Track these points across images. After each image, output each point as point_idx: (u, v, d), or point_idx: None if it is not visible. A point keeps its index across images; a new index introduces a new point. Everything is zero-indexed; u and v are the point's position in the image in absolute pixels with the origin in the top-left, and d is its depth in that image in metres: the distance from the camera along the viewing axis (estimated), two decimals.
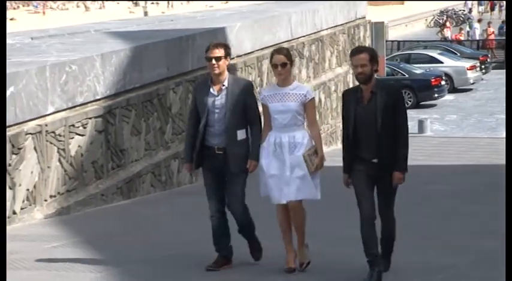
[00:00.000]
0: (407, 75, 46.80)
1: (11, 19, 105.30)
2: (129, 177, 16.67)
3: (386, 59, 41.86)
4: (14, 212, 13.78)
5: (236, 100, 10.35)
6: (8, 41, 20.43)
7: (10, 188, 13.79)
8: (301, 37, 25.35)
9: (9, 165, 13.91)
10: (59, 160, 14.83)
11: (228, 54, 10.43)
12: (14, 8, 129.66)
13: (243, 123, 10.48)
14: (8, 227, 13.77)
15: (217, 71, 10.32)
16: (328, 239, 12.55)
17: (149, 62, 17.18)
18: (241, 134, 10.45)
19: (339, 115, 29.76)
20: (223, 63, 10.35)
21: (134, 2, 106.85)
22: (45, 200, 14.63)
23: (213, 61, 10.26)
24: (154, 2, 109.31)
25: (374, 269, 9.91)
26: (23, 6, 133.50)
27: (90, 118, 15.31)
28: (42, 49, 17.65)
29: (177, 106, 18.17)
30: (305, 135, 10.30)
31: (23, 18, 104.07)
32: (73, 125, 15.10)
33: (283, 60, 10.20)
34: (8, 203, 13.60)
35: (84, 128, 15.28)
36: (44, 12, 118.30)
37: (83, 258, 12.35)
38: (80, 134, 14.93)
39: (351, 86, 31.03)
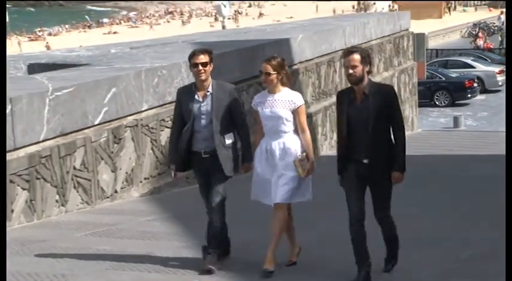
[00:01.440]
0: (444, 79, 46.78)
1: (114, 32, 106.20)
2: None
3: (427, 65, 41.66)
4: (116, 191, 14.15)
5: (221, 105, 9.29)
6: (111, 50, 20.84)
7: (112, 171, 14.34)
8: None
9: (112, 152, 14.35)
10: (152, 149, 15.30)
11: (212, 59, 9.37)
12: (117, 24, 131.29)
13: (230, 128, 9.46)
14: (110, 203, 14.50)
15: (203, 77, 9.24)
16: (327, 236, 11.30)
17: (226, 67, 17.38)
18: (229, 138, 9.46)
19: None
20: (209, 68, 9.27)
21: (214, 17, 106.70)
22: (141, 182, 15.05)
23: (200, 67, 9.17)
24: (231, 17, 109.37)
25: (362, 269, 8.96)
26: (124, 22, 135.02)
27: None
28: (139, 57, 18.01)
29: (248, 104, 18.43)
30: (295, 141, 9.29)
31: (124, 32, 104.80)
32: (163, 120, 15.54)
33: (268, 69, 9.13)
34: (110, 184, 13.96)
35: (160, 127, 15.58)
36: (151, 27, 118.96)
37: (170, 230, 12.62)
38: (168, 127, 15.12)
39: (395, 87, 31.23)
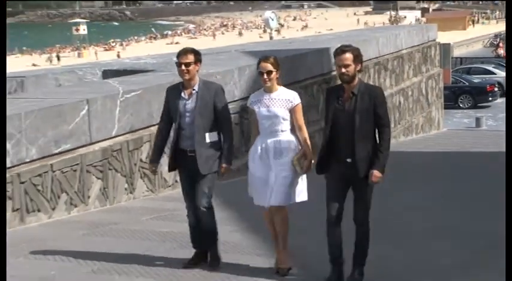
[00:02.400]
0: (467, 84, 47.02)
1: (176, 43, 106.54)
2: None
3: (452, 71, 41.79)
4: (176, 181, 14.05)
5: (205, 104, 8.49)
6: (173, 58, 20.96)
7: None
8: (386, 55, 25.41)
9: None
10: None
11: (198, 60, 8.58)
12: (178, 35, 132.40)
13: (213, 126, 8.59)
14: (171, 191, 14.50)
15: (187, 77, 8.49)
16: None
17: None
18: (210, 137, 8.58)
19: (414, 113, 29.91)
20: (193, 68, 8.49)
21: (263, 29, 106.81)
22: None
23: (183, 67, 8.44)
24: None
25: (335, 270, 8.14)
26: (185, 33, 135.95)
27: (230, 113, 15.74)
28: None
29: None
30: (291, 140, 8.36)
31: (185, 42, 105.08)
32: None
33: (268, 68, 8.27)
34: (172, 175, 14.04)
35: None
36: (214, 37, 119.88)
37: (222, 215, 12.28)
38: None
39: (423, 91, 31.27)
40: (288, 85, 17.57)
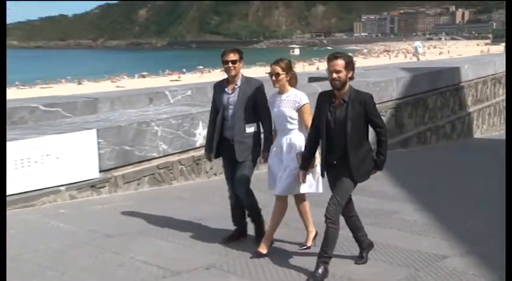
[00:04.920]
0: None
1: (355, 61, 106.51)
2: (404, 138, 16.60)
3: None
4: None
5: (247, 98, 6.90)
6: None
7: None
8: (500, 72, 24.30)
9: None
10: None
11: (241, 58, 7.02)
12: (355, 56, 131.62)
13: (252, 119, 6.94)
14: None
15: (233, 73, 6.92)
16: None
17: (419, 82, 17.23)
18: (250, 128, 6.93)
19: None
20: (238, 65, 6.93)
21: (412, 53, 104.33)
22: None
23: (229, 64, 6.88)
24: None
25: (319, 266, 5.88)
26: (360, 55, 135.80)
27: (389, 108, 15.58)
28: (368, 75, 17.74)
29: (430, 105, 18.05)
30: (300, 137, 6.61)
31: (359, 61, 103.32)
32: (380, 111, 15.14)
33: (276, 70, 6.62)
34: None
35: (385, 112, 15.56)
36: (378, 56, 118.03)
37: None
38: (383, 116, 15.26)
39: None
40: (428, 91, 17.47)
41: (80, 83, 79.01)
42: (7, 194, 8.20)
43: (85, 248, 6.82)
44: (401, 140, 16.22)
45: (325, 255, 5.88)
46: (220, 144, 7.02)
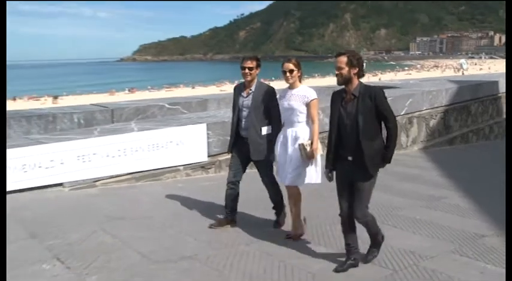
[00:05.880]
0: None
1: (409, 74, 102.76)
2: (450, 138, 15.92)
3: None
4: (407, 146, 13.93)
5: (259, 102, 6.08)
6: (410, 81, 20.23)
7: (407, 136, 13.79)
8: None
9: (407, 128, 13.72)
10: (425, 127, 14.47)
11: (258, 65, 6.15)
12: (410, 69, 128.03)
13: (265, 121, 6.08)
14: (405, 151, 13.49)
15: (249, 78, 6.10)
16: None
17: (462, 93, 16.52)
18: (265, 130, 6.08)
19: None
20: (254, 72, 6.11)
21: (457, 69, 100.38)
22: (421, 142, 14.40)
23: (246, 70, 6.06)
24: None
25: (349, 257, 5.17)
26: (414, 69, 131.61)
27: (439, 113, 15.06)
28: (423, 85, 17.14)
29: (472, 111, 17.30)
30: (305, 130, 5.79)
31: (414, 74, 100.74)
32: (431, 115, 14.79)
33: (290, 67, 5.79)
34: (405, 142, 13.76)
35: (436, 116, 14.97)
36: (429, 70, 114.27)
37: (425, 165, 11.52)
38: (434, 119, 14.69)
39: None
40: (471, 100, 16.78)
41: (193, 88, 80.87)
42: (141, 170, 8.54)
43: (196, 212, 6.90)
44: (448, 139, 15.67)
45: (375, 241, 5.28)
46: (236, 141, 6.26)
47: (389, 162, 5.02)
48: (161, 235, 5.94)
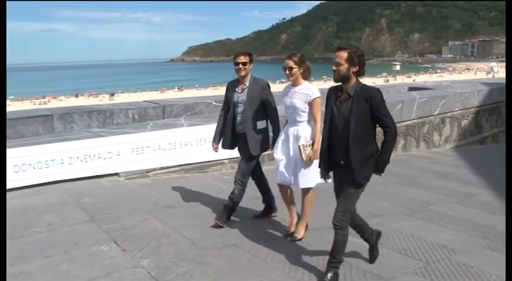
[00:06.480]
0: None
1: (441, 76, 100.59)
2: (482, 137, 15.47)
3: None
4: (440, 145, 13.60)
5: (254, 97, 5.62)
6: (443, 83, 19.76)
7: (439, 135, 13.48)
8: None
9: (439, 127, 13.41)
10: (457, 127, 14.08)
11: (251, 60, 5.69)
12: (442, 72, 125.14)
13: (261, 116, 5.66)
14: (438, 150, 13.27)
15: (242, 74, 5.65)
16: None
17: (492, 95, 16.00)
18: (261, 124, 5.68)
19: None
20: (248, 67, 5.65)
21: (488, 72, 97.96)
22: (453, 141, 14.02)
23: (240, 65, 5.61)
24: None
25: (371, 244, 4.79)
26: (447, 72, 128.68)
27: (471, 113, 14.68)
28: (455, 87, 16.66)
29: (503, 113, 16.73)
30: (307, 130, 5.19)
31: (446, 76, 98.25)
32: (463, 115, 14.41)
33: (289, 64, 5.18)
34: (437, 141, 13.41)
35: (468, 116, 14.57)
36: (461, 73, 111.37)
37: (456, 163, 11.24)
38: (466, 119, 14.29)
39: None
40: (501, 101, 16.30)
41: None
42: (189, 162, 8.57)
43: (240, 203, 6.13)
44: (479, 138, 15.26)
45: (334, 260, 4.39)
46: (233, 138, 5.84)
47: (382, 171, 4.23)
48: (208, 223, 5.94)
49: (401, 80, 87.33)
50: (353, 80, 4.23)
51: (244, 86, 5.74)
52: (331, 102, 4.35)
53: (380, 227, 5.84)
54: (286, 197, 5.59)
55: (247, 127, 5.68)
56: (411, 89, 16.98)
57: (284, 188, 5.51)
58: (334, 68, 4.19)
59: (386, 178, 8.72)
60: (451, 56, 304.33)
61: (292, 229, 5.56)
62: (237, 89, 5.79)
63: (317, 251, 5.12)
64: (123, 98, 62.25)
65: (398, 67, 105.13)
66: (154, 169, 8.30)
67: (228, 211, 5.92)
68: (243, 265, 4.79)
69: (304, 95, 5.21)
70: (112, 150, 7.97)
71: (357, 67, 4.20)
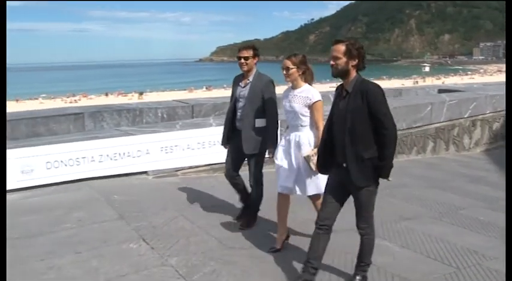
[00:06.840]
0: None
1: (472, 78, 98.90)
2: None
3: None
4: (470, 148, 13.29)
5: (256, 93, 5.34)
6: (474, 85, 19.34)
7: (469, 138, 13.17)
8: None
9: (470, 130, 13.13)
10: (487, 129, 13.71)
11: (255, 54, 5.44)
12: (472, 73, 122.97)
13: (261, 113, 5.35)
14: (467, 153, 13.01)
15: (245, 68, 5.41)
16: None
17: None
18: (259, 122, 5.35)
19: None
20: (251, 62, 5.38)
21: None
22: (484, 144, 13.69)
23: (242, 60, 5.36)
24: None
25: (301, 276, 4.18)
26: (478, 74, 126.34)
27: (501, 116, 14.33)
28: (486, 89, 16.15)
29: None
30: (309, 135, 4.81)
31: (476, 78, 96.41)
32: (494, 118, 13.99)
33: (287, 64, 4.85)
34: (467, 144, 13.15)
35: (499, 119, 14.16)
36: (492, 74, 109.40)
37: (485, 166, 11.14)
38: (497, 122, 14.06)
39: None
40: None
41: None
42: (217, 162, 8.41)
43: (267, 203, 6.00)
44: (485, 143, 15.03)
45: (362, 263, 4.27)
46: (231, 133, 5.65)
47: (386, 177, 3.89)
48: (235, 223, 5.93)
49: (431, 82, 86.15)
50: (352, 74, 3.92)
51: (248, 81, 5.51)
52: (334, 99, 4.10)
53: (409, 231, 5.79)
54: (284, 207, 5.14)
55: (246, 124, 5.42)
56: (441, 91, 16.67)
57: (284, 198, 5.10)
58: (331, 62, 3.90)
59: (414, 181, 8.78)
60: (482, 57, 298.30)
61: (279, 247, 5.11)
62: (240, 84, 5.59)
63: (344, 253, 5.02)
64: (151, 97, 62.87)
65: (427, 69, 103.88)
66: (183, 168, 8.33)
67: (252, 215, 5.83)
68: (271, 266, 4.78)
69: (304, 99, 4.87)
70: (141, 148, 8.03)
71: (356, 60, 3.90)
